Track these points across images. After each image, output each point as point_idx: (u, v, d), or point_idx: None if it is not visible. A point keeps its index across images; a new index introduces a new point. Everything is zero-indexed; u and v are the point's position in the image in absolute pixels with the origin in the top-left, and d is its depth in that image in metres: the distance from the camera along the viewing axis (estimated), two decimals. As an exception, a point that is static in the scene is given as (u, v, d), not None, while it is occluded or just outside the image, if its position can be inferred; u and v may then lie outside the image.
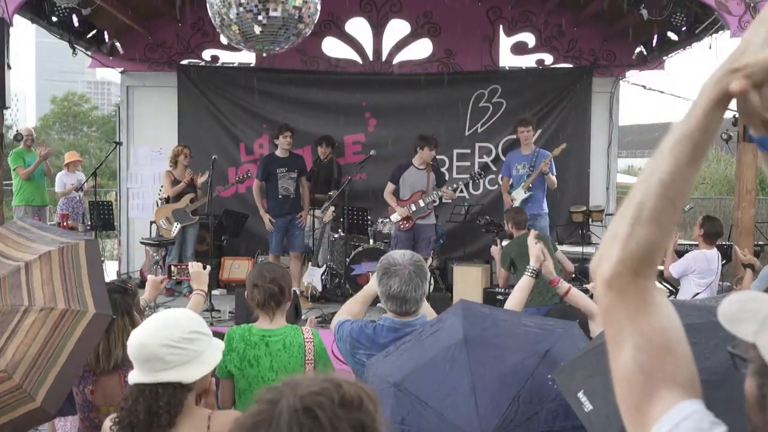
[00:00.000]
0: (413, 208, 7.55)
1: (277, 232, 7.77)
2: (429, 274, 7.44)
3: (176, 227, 7.99)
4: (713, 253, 6.09)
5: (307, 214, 7.95)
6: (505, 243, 6.71)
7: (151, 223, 8.82)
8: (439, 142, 8.26)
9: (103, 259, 5.55)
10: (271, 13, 4.82)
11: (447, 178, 8.76)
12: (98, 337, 2.57)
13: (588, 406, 1.63)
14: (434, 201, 7.57)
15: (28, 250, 2.63)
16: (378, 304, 3.12)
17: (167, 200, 8.27)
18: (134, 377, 2.06)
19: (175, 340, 2.03)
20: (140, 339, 2.04)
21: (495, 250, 6.64)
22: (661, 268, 6.92)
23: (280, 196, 7.74)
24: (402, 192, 7.65)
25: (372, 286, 2.96)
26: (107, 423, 2.14)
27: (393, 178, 7.69)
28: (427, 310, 3.01)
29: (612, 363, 1.07)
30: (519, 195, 7.67)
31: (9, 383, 2.29)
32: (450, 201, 8.65)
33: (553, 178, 7.63)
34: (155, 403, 2.00)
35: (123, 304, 2.86)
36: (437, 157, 8.21)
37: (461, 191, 9.14)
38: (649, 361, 1.02)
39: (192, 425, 2.06)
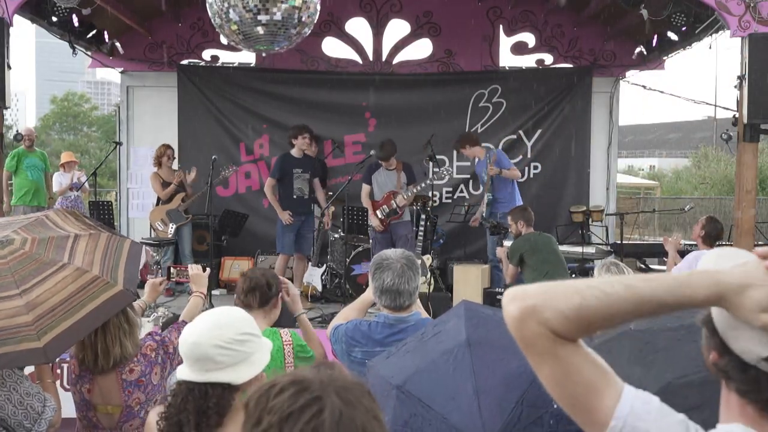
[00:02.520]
0: (386, 210, 7.54)
1: (290, 232, 7.69)
2: (421, 269, 7.43)
3: (172, 227, 8.01)
4: None
5: (329, 217, 7.94)
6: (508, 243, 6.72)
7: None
8: (438, 141, 8.27)
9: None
10: (271, 14, 4.82)
11: (445, 179, 8.79)
12: (116, 311, 2.73)
13: None
14: (406, 200, 7.48)
15: (81, 228, 2.89)
16: (370, 310, 3.14)
17: (157, 201, 8.31)
18: (184, 374, 2.07)
19: (226, 341, 2.03)
20: (193, 338, 2.04)
21: (501, 251, 6.65)
22: (663, 268, 6.93)
23: (294, 197, 7.69)
24: (376, 193, 7.68)
25: (368, 294, 2.98)
26: (153, 416, 2.16)
27: (365, 179, 7.72)
28: (419, 309, 3.02)
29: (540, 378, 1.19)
30: (485, 200, 7.80)
31: (23, 318, 2.48)
32: (451, 201, 8.66)
33: (510, 171, 7.74)
34: (204, 403, 2.02)
35: None
36: (438, 157, 8.21)
37: (461, 191, 9.15)
38: (574, 390, 1.17)
39: (239, 425, 2.06)
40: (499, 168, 7.63)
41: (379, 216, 7.56)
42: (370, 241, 8.04)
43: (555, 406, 1.85)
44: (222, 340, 2.03)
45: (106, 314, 2.67)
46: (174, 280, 3.59)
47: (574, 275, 7.38)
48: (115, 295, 2.66)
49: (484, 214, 7.77)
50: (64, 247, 2.72)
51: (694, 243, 6.46)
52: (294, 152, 7.79)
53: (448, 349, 1.96)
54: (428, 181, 7.55)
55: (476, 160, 8.14)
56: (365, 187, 7.70)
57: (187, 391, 2.04)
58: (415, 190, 7.49)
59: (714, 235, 6.10)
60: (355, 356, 2.82)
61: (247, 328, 2.12)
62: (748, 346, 1.12)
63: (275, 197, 7.75)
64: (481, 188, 8.20)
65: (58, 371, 4.97)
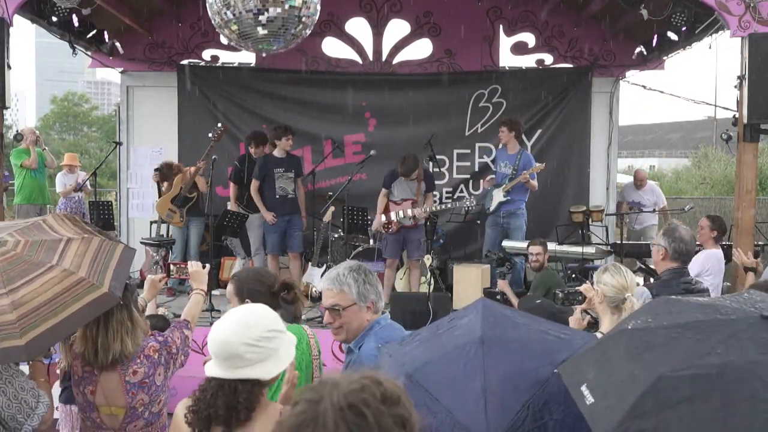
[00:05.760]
0: (401, 215, 7.46)
1: (274, 232, 7.70)
2: (422, 269, 7.45)
3: (183, 212, 8.04)
4: (721, 252, 6.13)
5: (305, 216, 7.91)
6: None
7: (152, 223, 8.81)
8: (438, 141, 8.26)
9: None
10: (271, 14, 4.82)
11: (445, 179, 8.83)
12: (100, 312, 2.76)
13: (590, 399, 1.67)
14: (425, 214, 7.38)
15: (75, 232, 2.94)
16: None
17: (159, 193, 8.31)
18: (212, 371, 2.13)
19: (255, 339, 2.09)
20: (223, 337, 2.10)
21: (503, 284, 6.68)
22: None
23: (277, 196, 7.70)
24: (394, 198, 7.62)
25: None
26: (181, 410, 2.21)
27: (385, 183, 7.66)
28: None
29: None
30: (498, 196, 7.73)
31: (7, 316, 2.52)
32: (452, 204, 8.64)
33: (534, 182, 7.68)
34: (234, 399, 2.08)
35: (122, 299, 2.89)
36: (438, 156, 8.20)
37: (461, 191, 9.15)
38: None
39: (267, 420, 2.12)
40: (529, 179, 7.55)
41: (393, 218, 7.47)
42: (371, 241, 8.03)
43: (560, 414, 1.86)
44: (251, 338, 2.08)
45: (90, 315, 2.71)
46: (174, 277, 3.60)
47: (574, 275, 7.39)
48: (100, 297, 2.70)
49: (491, 209, 7.73)
50: (54, 250, 2.77)
51: (698, 244, 6.47)
52: (276, 153, 7.79)
53: (461, 344, 1.97)
54: (449, 204, 7.59)
55: (501, 147, 7.94)
56: (384, 190, 7.61)
57: (217, 388, 2.09)
58: (434, 209, 7.45)
59: (723, 231, 6.20)
60: None
61: (274, 325, 2.17)
62: None
63: (259, 198, 7.76)
64: (481, 184, 8.15)
65: (57, 371, 4.96)
